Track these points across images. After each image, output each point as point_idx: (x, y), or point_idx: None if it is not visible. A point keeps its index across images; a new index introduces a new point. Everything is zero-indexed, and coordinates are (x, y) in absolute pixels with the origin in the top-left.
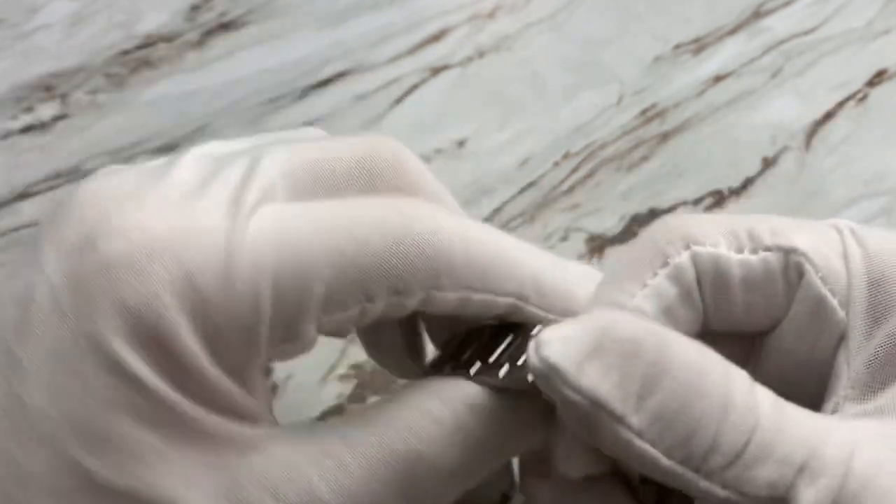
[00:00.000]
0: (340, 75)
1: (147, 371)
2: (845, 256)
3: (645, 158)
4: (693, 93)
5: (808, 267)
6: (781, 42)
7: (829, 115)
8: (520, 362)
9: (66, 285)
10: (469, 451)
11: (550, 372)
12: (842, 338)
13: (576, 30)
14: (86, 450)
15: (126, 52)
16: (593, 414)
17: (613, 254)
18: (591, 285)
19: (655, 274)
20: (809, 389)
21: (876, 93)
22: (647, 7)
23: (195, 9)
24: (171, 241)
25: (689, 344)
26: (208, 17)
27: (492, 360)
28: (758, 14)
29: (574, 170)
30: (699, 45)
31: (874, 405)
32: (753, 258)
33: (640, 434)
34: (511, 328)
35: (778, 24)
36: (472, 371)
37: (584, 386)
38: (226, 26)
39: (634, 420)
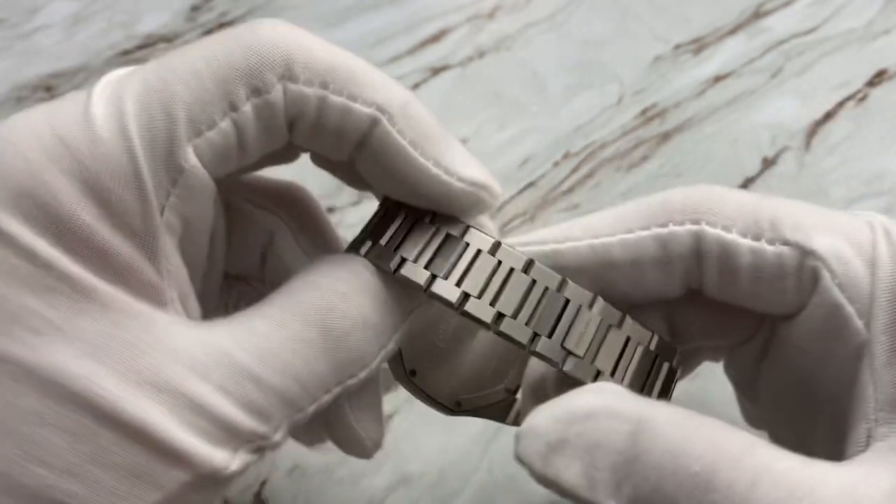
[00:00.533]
0: None
1: (27, 232)
2: (873, 261)
3: (645, 158)
4: (693, 93)
5: (824, 273)
6: (781, 42)
7: (829, 115)
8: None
9: None
10: (376, 300)
11: (524, 465)
12: (862, 348)
13: (576, 30)
14: None
15: (126, 53)
16: (571, 499)
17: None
18: (470, 161)
19: (648, 228)
20: (828, 389)
21: (876, 93)
22: (647, 7)
23: (195, 9)
24: (43, 120)
25: (669, 424)
26: (208, 18)
27: (383, 241)
28: (758, 14)
29: (574, 170)
30: (699, 45)
31: None
32: (769, 249)
33: None
34: (416, 215)
35: (778, 24)
36: (364, 251)
37: (549, 477)
38: (226, 26)
39: (613, 503)
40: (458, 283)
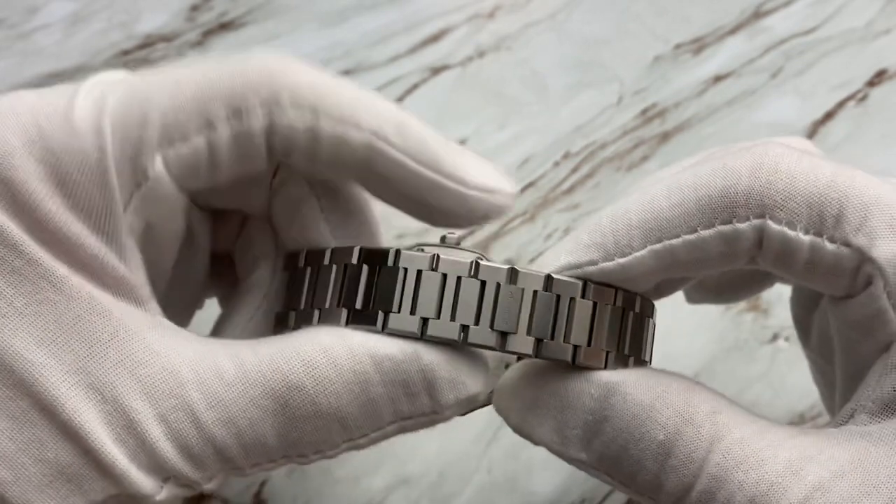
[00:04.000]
0: (340, 75)
1: None
2: None
3: (645, 158)
4: (693, 92)
5: (878, 281)
6: (781, 42)
7: (829, 115)
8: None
9: None
10: (360, 395)
11: (501, 416)
12: (890, 346)
13: (576, 30)
14: None
15: (126, 52)
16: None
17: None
18: (481, 166)
19: (712, 226)
20: (855, 363)
21: (876, 93)
22: (647, 7)
23: (195, 9)
24: (29, 106)
25: (638, 388)
26: (208, 17)
27: (359, 305)
28: (758, 14)
29: (574, 170)
30: (699, 45)
31: (879, 428)
32: (828, 247)
33: (593, 466)
34: (361, 260)
35: (778, 23)
36: (344, 321)
37: (525, 432)
38: (226, 26)
39: (584, 455)
40: (413, 312)
